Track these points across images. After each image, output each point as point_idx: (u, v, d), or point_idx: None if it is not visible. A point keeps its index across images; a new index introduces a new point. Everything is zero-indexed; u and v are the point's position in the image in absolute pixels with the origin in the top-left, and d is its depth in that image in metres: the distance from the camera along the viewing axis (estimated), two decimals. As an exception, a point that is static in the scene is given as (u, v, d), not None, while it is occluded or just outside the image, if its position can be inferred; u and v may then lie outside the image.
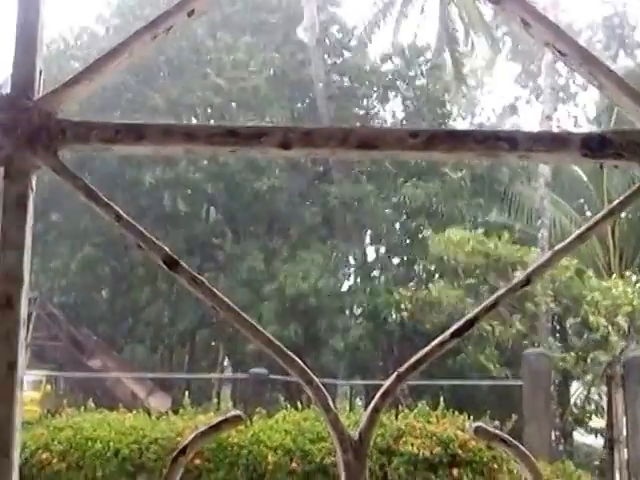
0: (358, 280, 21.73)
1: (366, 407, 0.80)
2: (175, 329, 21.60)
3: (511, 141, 0.84)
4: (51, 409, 10.34)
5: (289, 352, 0.77)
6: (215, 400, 20.23)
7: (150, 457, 9.45)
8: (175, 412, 11.11)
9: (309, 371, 0.78)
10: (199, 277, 0.78)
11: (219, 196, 21.24)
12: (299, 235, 21.32)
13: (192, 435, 0.74)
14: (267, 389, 13.53)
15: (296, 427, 10.05)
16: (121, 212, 0.78)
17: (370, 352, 19.30)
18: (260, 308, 19.08)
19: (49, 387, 17.82)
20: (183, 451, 0.74)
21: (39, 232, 22.31)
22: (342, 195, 20.65)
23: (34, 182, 0.81)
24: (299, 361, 0.77)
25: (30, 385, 15.85)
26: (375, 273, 21.80)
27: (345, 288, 21.56)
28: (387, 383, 0.77)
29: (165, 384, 19.54)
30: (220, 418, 0.74)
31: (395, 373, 0.78)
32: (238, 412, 0.74)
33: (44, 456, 9.27)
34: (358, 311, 20.37)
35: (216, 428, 0.75)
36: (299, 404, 11.18)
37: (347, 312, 20.28)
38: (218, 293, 0.78)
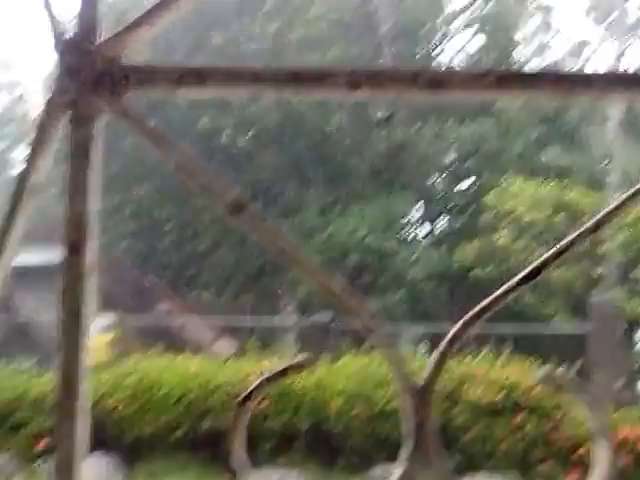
0: (417, 230, 21.55)
1: (429, 355, 0.79)
2: (240, 275, 21.88)
3: (584, 81, 0.79)
4: (119, 353, 10.63)
5: (355, 298, 0.76)
6: (278, 345, 20.53)
7: (215, 402, 9.68)
8: (240, 357, 11.32)
9: (374, 317, 0.77)
10: (266, 223, 0.77)
11: (282, 140, 21.16)
12: (357, 183, 21.17)
13: (258, 380, 0.74)
14: (331, 335, 13.65)
15: (359, 373, 10.15)
16: (188, 156, 0.77)
17: (427, 306, 19.20)
18: (312, 256, 19.07)
19: (117, 332, 18.30)
20: (249, 396, 0.74)
21: (105, 178, 22.70)
22: (401, 143, 20.36)
23: (99, 127, 0.81)
24: (364, 306, 0.76)
25: (98, 330, 16.33)
26: (434, 224, 21.56)
27: (404, 239, 21.36)
28: (454, 329, 0.76)
29: (230, 329, 19.89)
30: (287, 363, 0.74)
31: (462, 319, 0.76)
32: (305, 357, 0.74)
33: (112, 400, 9.53)
34: (415, 263, 20.11)
35: (283, 373, 0.75)
36: (362, 350, 11.28)
37: (404, 264, 20.09)
38: (285, 238, 0.77)
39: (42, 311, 21.14)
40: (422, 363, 9.90)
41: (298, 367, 0.76)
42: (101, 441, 9.07)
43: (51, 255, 24.89)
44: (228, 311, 22.40)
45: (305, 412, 9.63)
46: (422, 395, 0.74)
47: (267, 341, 17.80)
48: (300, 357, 0.77)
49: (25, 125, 38.98)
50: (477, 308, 0.75)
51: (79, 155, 0.77)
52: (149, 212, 21.26)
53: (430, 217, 21.78)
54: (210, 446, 9.44)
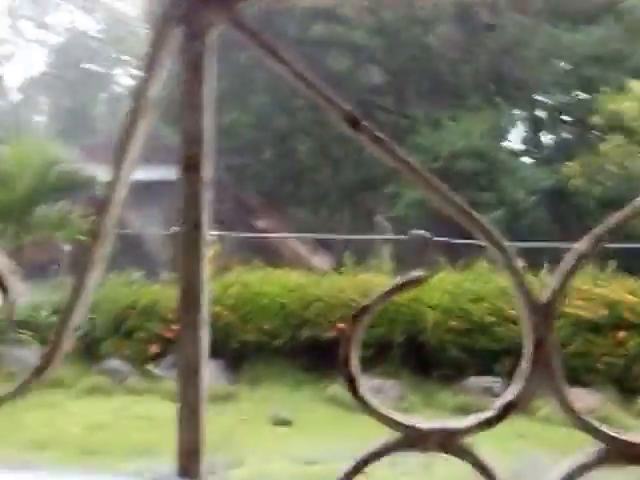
0: (524, 141, 20.83)
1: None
2: (337, 191, 21.94)
3: None
4: (221, 266, 10.94)
5: (474, 213, 0.74)
6: (374, 261, 20.66)
7: (313, 313, 9.94)
8: (337, 271, 11.49)
9: (495, 232, 0.74)
10: (382, 136, 0.75)
11: (382, 54, 20.74)
12: (461, 97, 20.58)
13: (375, 295, 0.73)
14: (427, 250, 13.62)
15: (456, 287, 10.18)
16: (302, 70, 0.75)
17: (529, 224, 18.68)
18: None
19: (218, 246, 18.85)
20: (365, 310, 0.74)
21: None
22: (509, 48, 19.48)
23: (212, 40, 0.80)
24: (484, 222, 0.73)
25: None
26: (543, 135, 20.76)
27: (509, 149, 20.71)
28: (581, 246, 0.72)
29: (327, 244, 20.12)
30: (403, 279, 0.73)
31: (590, 236, 0.73)
32: (421, 273, 0.73)
33: (216, 309, 9.92)
34: (522, 175, 19.45)
35: (399, 288, 0.74)
36: (458, 266, 11.25)
37: (509, 176, 19.53)
38: (401, 153, 0.75)
39: (148, 225, 21.97)
40: (542, 281, 9.79)
41: (415, 282, 0.75)
42: (211, 347, 9.49)
43: (156, 172, 25.67)
44: (325, 227, 22.64)
45: (400, 325, 9.75)
46: (545, 312, 0.72)
47: (362, 256, 17.97)
48: (416, 273, 0.76)
49: (123, 45, 39.71)
50: (605, 225, 0.71)
51: (193, 70, 0.77)
52: (248, 129, 21.39)
53: (538, 131, 21.01)
54: (307, 354, 9.76)
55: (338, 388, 8.90)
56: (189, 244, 0.76)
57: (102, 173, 12.97)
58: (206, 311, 0.75)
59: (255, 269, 11.23)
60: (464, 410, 8.61)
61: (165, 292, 10.52)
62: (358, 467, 0.76)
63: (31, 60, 40.56)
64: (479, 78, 20.27)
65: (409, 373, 9.66)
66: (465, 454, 0.74)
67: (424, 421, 0.75)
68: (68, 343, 0.76)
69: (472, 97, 20.23)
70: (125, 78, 41.73)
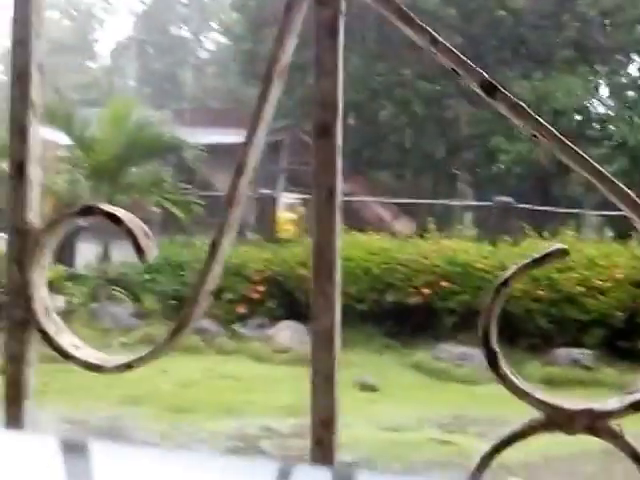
0: (617, 107, 20.01)
1: None
2: (419, 156, 21.70)
3: None
4: (305, 229, 10.99)
5: (621, 185, 0.70)
6: (455, 226, 20.43)
7: (397, 278, 9.88)
8: (420, 236, 11.37)
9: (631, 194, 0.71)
10: (520, 103, 0.72)
11: (461, 24, 20.27)
12: (550, 59, 19.90)
13: (515, 267, 0.71)
14: (511, 217, 13.34)
15: (543, 256, 9.94)
16: (437, 36, 0.73)
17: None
18: (509, 129, 18.56)
19: (302, 209, 18.96)
20: (505, 283, 0.72)
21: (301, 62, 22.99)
22: (599, 8, 18.72)
23: (344, 6, 0.78)
24: (632, 194, 0.70)
25: (286, 207, 16.96)
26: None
27: (601, 113, 19.98)
28: None
29: (409, 209, 19.97)
30: (543, 252, 0.71)
31: None
32: (562, 246, 0.70)
33: (301, 272, 9.99)
34: (616, 141, 18.73)
35: (539, 262, 0.72)
36: (545, 233, 10.98)
37: (603, 141, 18.83)
38: (540, 120, 0.72)
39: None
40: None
41: (556, 256, 0.73)
42: (292, 310, 9.63)
43: (237, 136, 25.72)
44: (407, 192, 22.46)
45: (485, 292, 9.58)
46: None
47: (445, 221, 17.76)
48: (557, 245, 0.74)
49: (207, 11, 40.06)
50: None
51: (325, 36, 0.76)
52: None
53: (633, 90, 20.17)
54: (393, 319, 9.73)
55: (423, 354, 8.87)
56: (323, 210, 0.75)
57: (190, 136, 13.27)
58: (339, 279, 0.75)
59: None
60: (552, 382, 8.45)
61: (252, 254, 10.66)
62: (498, 449, 0.74)
63: (120, 26, 41.41)
64: (567, 42, 19.57)
65: (496, 342, 9.53)
66: (613, 437, 0.72)
67: (567, 402, 0.73)
68: (204, 303, 0.77)
69: (560, 62, 19.57)
70: (210, 43, 42.17)
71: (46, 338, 0.78)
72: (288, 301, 10.06)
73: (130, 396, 6.95)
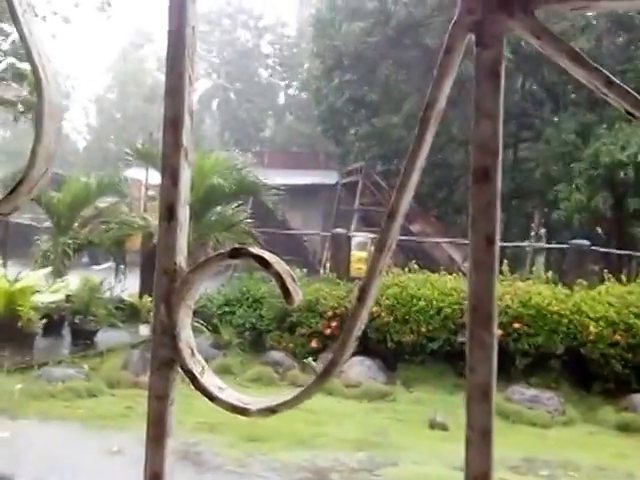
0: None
1: None
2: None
3: None
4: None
5: None
6: (528, 268, 20.10)
7: (470, 318, 9.75)
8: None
9: None
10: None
11: (534, 67, 20.19)
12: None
13: None
14: (587, 260, 13.06)
15: (620, 300, 9.72)
16: (612, 77, 0.70)
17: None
18: (572, 174, 18.29)
19: (371, 249, 18.86)
20: None
21: (359, 96, 23.24)
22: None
23: (504, 47, 0.77)
24: None
25: (357, 246, 17.01)
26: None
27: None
28: None
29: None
30: None
31: None
32: None
33: (374, 309, 10.01)
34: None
35: None
36: (622, 277, 10.75)
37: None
38: None
39: (308, 227, 22.51)
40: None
41: None
42: (364, 346, 9.66)
43: (317, 177, 26.16)
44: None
45: (561, 335, 9.44)
46: None
47: (517, 263, 17.48)
48: None
49: (291, 60, 41.27)
50: None
51: (486, 78, 0.74)
52: (401, 133, 21.38)
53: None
54: (464, 359, 9.56)
55: (495, 396, 8.70)
56: (481, 258, 0.73)
57: (268, 178, 13.60)
58: (496, 330, 0.72)
59: (412, 272, 11.24)
60: (627, 428, 8.22)
61: (325, 290, 10.78)
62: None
63: (207, 72, 43.07)
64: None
65: (568, 386, 9.32)
66: None
67: None
68: (350, 350, 0.76)
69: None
70: (292, 90, 43.47)
71: (191, 378, 0.78)
72: (360, 337, 10.06)
73: (207, 423, 7.05)
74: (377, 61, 22.95)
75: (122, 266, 12.88)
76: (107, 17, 12.93)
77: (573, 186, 18.43)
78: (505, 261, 11.40)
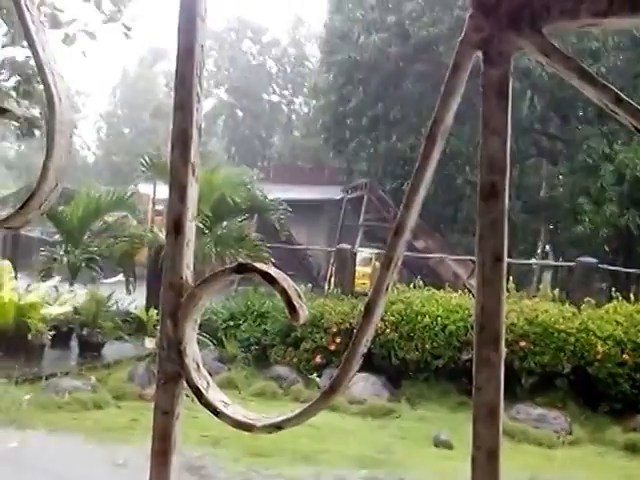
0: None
1: None
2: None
3: None
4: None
5: None
6: (534, 286, 20.03)
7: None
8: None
9: None
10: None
11: (550, 83, 20.20)
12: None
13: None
14: (594, 278, 13.02)
15: (628, 319, 9.68)
16: (621, 94, 0.70)
17: None
18: (595, 191, 18.22)
19: (378, 264, 18.93)
20: None
21: (378, 114, 23.28)
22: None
23: (512, 65, 0.77)
24: None
25: (362, 262, 17.02)
26: None
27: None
28: None
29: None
30: None
31: None
32: None
33: (379, 325, 9.96)
34: None
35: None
36: (630, 296, 10.70)
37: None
38: None
39: (313, 241, 22.53)
40: None
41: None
42: (369, 362, 9.62)
43: (321, 192, 26.21)
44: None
45: (568, 354, 9.38)
46: None
47: (523, 280, 17.43)
48: None
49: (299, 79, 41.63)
50: None
51: (494, 95, 0.74)
52: (412, 152, 21.39)
53: None
54: (468, 376, 9.53)
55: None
56: (488, 276, 0.73)
57: (273, 192, 13.69)
58: (503, 349, 0.72)
59: (417, 289, 11.22)
60: (634, 448, 8.15)
61: (330, 305, 10.77)
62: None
63: (212, 88, 43.47)
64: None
65: (575, 405, 9.25)
66: None
67: None
68: (356, 366, 0.76)
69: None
70: (297, 106, 43.86)
71: (197, 393, 0.78)
72: (364, 354, 10.05)
73: (211, 437, 7.04)
74: (393, 76, 23.02)
75: (131, 279, 12.93)
76: (124, 38, 13.03)
77: (594, 203, 18.37)
78: (511, 278, 11.36)
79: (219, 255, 11.29)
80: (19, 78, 11.61)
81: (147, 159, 13.39)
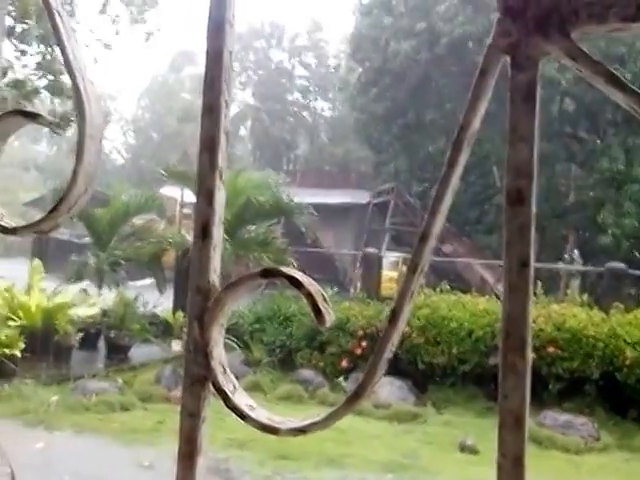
0: None
1: None
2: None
3: None
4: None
5: None
6: (563, 291, 19.82)
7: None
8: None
9: None
10: None
11: (576, 89, 20.04)
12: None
13: None
14: (624, 284, 12.85)
15: (658, 325, 9.53)
16: (640, 98, 0.70)
17: None
18: (621, 200, 18.02)
19: (404, 268, 18.83)
20: None
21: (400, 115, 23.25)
22: None
23: (539, 70, 0.77)
24: None
25: (389, 265, 16.99)
26: None
27: None
28: None
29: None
30: None
31: None
32: None
33: (405, 330, 9.90)
34: None
35: None
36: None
37: None
38: None
39: (339, 245, 22.56)
40: None
41: None
42: (395, 366, 9.62)
43: (348, 196, 26.21)
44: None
45: (596, 360, 9.27)
46: None
47: (551, 285, 17.26)
48: None
49: (323, 81, 41.70)
50: None
51: (521, 100, 0.74)
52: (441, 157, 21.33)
53: None
54: (495, 382, 9.45)
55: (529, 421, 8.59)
56: (515, 282, 0.72)
57: (300, 197, 13.71)
58: (530, 356, 0.72)
59: (444, 293, 11.16)
60: (663, 457, 8.03)
61: (356, 309, 10.75)
62: None
63: (239, 92, 43.70)
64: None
65: (603, 411, 9.14)
66: None
67: None
68: (381, 371, 0.76)
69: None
70: (324, 110, 43.96)
71: (223, 396, 0.78)
72: (390, 358, 10.03)
73: (237, 440, 7.07)
74: (421, 81, 22.98)
75: (159, 282, 13.02)
76: (151, 44, 13.26)
77: (622, 210, 18.21)
78: (539, 283, 11.25)
79: (241, 259, 11.33)
80: (51, 77, 11.78)
81: (168, 167, 13.51)
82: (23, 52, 12.18)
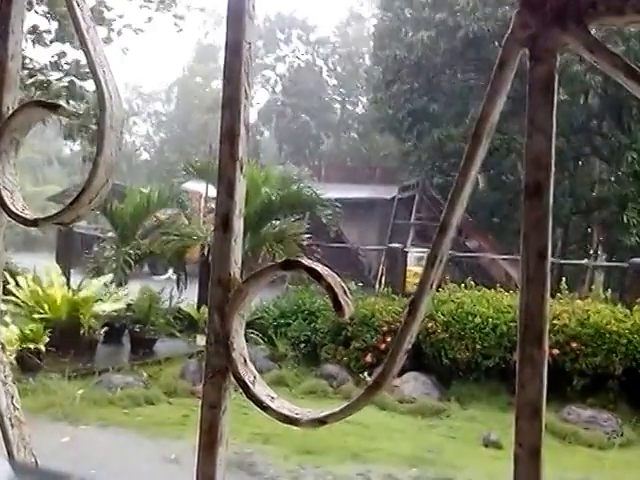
0: None
1: None
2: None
3: None
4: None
5: None
6: (587, 287, 19.64)
7: (526, 336, 9.59)
8: (551, 296, 11.01)
9: None
10: None
11: (603, 84, 19.79)
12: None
13: None
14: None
15: (681, 320, 9.44)
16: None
17: None
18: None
19: (425, 262, 18.67)
20: None
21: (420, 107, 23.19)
22: None
23: (558, 61, 0.77)
24: None
25: (414, 261, 16.90)
26: None
27: None
28: None
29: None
30: None
31: None
32: None
33: (429, 325, 9.95)
34: None
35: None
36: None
37: None
38: None
39: (364, 241, 22.52)
40: None
41: None
42: (419, 361, 9.61)
43: (374, 191, 26.17)
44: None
45: (620, 356, 9.21)
46: None
47: (575, 281, 17.10)
48: None
49: (351, 78, 41.68)
50: None
51: (540, 92, 0.74)
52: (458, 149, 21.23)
53: None
54: (518, 378, 9.41)
55: (551, 415, 8.56)
56: (532, 274, 0.73)
57: (324, 191, 13.69)
58: (547, 347, 0.72)
59: (468, 289, 11.12)
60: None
61: (380, 305, 10.74)
62: None
63: (264, 86, 43.79)
64: None
65: (627, 407, 9.08)
66: None
67: None
68: (400, 362, 0.76)
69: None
70: (350, 104, 43.91)
71: (244, 387, 0.79)
72: (414, 353, 10.03)
73: (261, 434, 7.11)
74: (441, 72, 22.86)
75: (183, 276, 13.07)
76: (178, 30, 13.21)
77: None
78: (563, 279, 11.17)
79: (255, 254, 11.34)
80: (71, 78, 11.85)
81: (189, 162, 13.54)
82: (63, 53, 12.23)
